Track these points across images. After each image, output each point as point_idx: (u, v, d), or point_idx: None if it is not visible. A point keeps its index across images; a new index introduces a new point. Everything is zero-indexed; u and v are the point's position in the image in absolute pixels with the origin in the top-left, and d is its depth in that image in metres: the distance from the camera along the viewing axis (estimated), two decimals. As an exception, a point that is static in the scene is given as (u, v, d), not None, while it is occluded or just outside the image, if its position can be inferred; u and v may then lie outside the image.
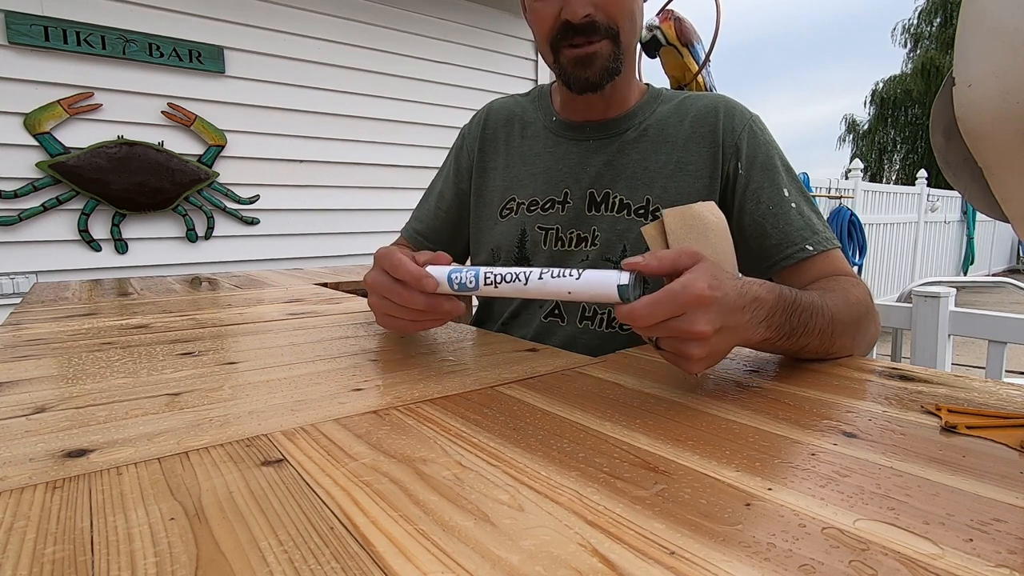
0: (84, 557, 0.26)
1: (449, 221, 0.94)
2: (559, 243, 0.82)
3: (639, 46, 3.19)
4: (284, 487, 0.32)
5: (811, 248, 0.71)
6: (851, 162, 5.50)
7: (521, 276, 0.50)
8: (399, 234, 1.00)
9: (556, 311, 0.82)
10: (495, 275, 0.51)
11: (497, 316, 0.89)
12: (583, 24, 0.71)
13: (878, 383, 0.50)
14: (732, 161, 0.77)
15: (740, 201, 0.76)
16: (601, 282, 0.46)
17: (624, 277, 0.45)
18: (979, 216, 7.44)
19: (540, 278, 0.49)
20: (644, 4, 0.79)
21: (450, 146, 0.99)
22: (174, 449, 0.37)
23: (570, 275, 0.48)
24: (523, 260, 0.84)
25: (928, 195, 6.22)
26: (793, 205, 0.74)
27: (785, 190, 0.74)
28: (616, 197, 0.80)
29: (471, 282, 0.53)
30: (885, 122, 17.99)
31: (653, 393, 0.48)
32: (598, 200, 0.81)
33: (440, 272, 0.55)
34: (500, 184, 0.88)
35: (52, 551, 0.26)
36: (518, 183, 0.86)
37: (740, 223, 0.76)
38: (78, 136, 2.35)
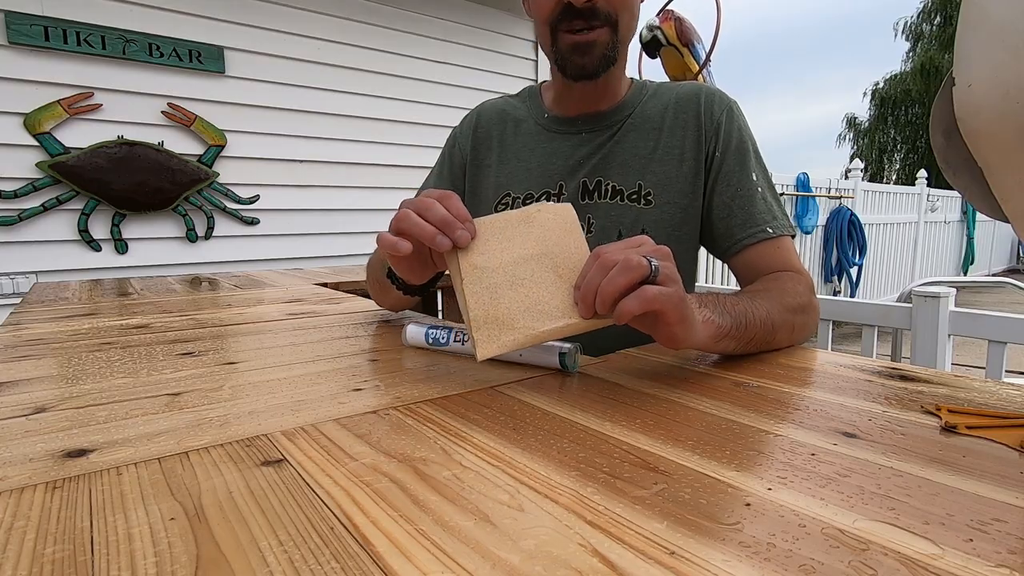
0: (84, 557, 0.26)
1: None
2: None
3: (640, 47, 3.19)
4: (284, 487, 0.32)
5: (771, 231, 0.77)
6: (851, 162, 5.50)
7: None
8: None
9: None
10: (464, 333, 0.61)
11: None
12: (585, 8, 0.73)
13: (878, 383, 0.50)
14: (712, 143, 0.81)
15: (713, 182, 0.81)
16: (546, 349, 0.55)
17: (565, 347, 0.55)
18: (979, 216, 7.43)
19: None
20: (641, 5, 0.82)
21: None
22: (174, 449, 0.37)
23: None
24: None
25: (928, 195, 6.22)
26: (759, 190, 0.79)
27: (754, 174, 0.80)
28: (609, 184, 0.83)
29: (443, 338, 0.63)
30: (885, 121, 17.96)
31: (653, 393, 0.48)
32: (591, 188, 0.84)
33: (419, 330, 0.65)
34: (494, 181, 0.90)
35: (52, 551, 0.26)
36: (512, 179, 0.88)
37: (710, 202, 0.81)
38: (78, 136, 2.35)
